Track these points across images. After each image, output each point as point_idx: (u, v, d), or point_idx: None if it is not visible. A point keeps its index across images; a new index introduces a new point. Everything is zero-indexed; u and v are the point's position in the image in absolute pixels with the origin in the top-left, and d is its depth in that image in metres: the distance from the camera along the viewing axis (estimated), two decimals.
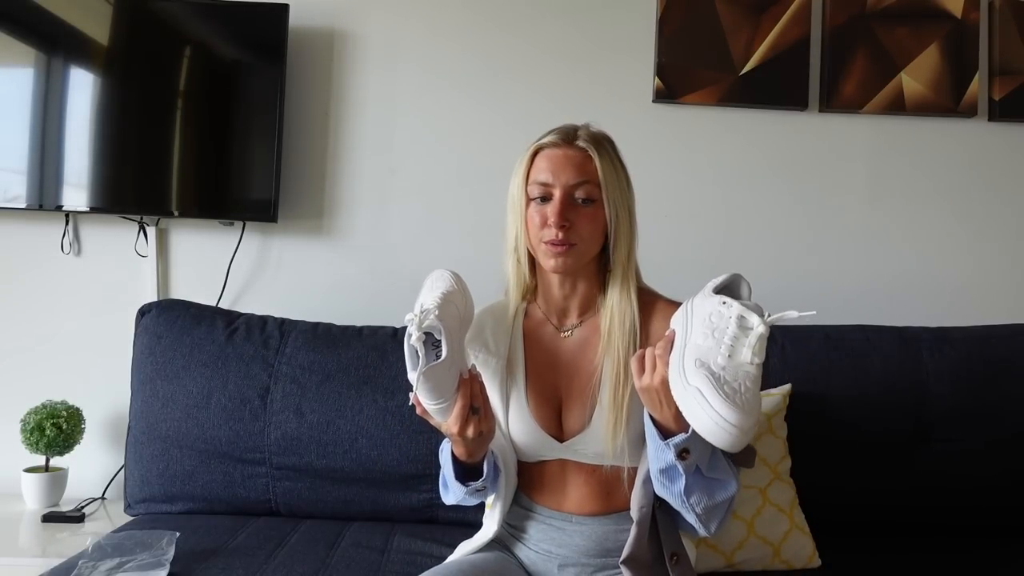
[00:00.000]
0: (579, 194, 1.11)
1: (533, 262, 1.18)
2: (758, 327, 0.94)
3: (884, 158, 1.97)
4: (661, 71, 1.91)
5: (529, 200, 1.13)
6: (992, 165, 1.97)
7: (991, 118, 1.96)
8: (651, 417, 1.00)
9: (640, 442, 1.08)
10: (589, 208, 1.11)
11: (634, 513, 1.07)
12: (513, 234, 1.16)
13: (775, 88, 1.92)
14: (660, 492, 1.03)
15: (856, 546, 1.52)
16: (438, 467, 1.54)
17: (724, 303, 0.99)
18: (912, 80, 1.92)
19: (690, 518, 1.02)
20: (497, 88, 1.94)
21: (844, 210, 1.97)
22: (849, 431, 1.59)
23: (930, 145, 1.97)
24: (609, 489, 1.13)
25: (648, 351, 1.00)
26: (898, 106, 1.93)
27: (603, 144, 1.14)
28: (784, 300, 1.91)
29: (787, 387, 1.56)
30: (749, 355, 0.93)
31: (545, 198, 1.11)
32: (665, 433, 0.98)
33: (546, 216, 1.10)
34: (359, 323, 1.73)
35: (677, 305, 1.13)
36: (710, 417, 0.88)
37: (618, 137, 1.98)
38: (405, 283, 1.93)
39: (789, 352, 1.64)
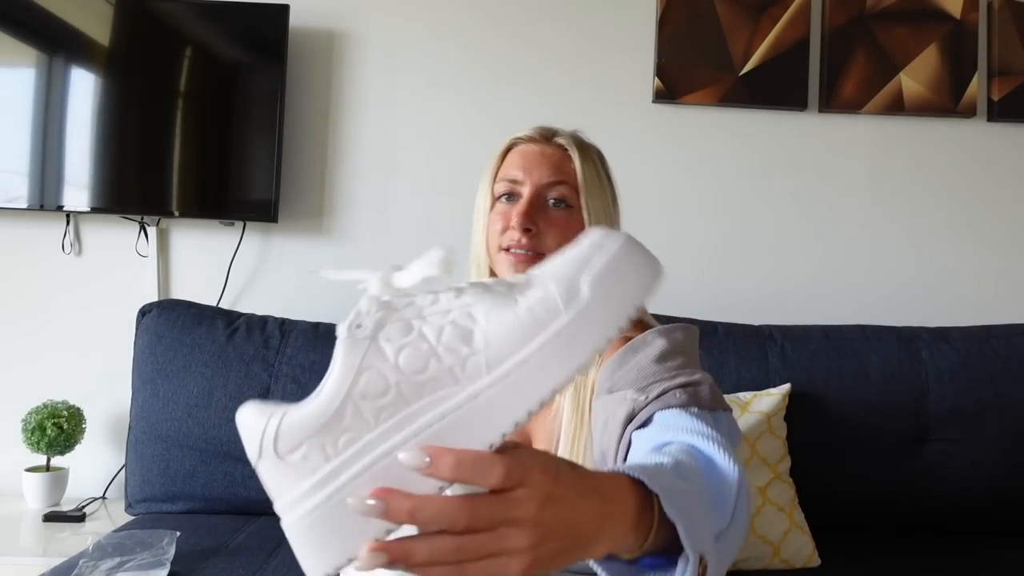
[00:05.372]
0: (552, 195, 0.95)
1: None
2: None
3: (883, 158, 1.97)
4: (661, 71, 1.91)
5: (494, 201, 0.98)
6: (991, 165, 1.98)
7: (990, 118, 1.96)
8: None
9: None
10: (562, 213, 0.95)
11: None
12: (475, 243, 1.00)
13: (775, 88, 1.92)
14: None
15: (855, 545, 1.53)
16: None
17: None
18: (911, 80, 1.92)
19: None
20: (497, 88, 1.94)
21: (843, 210, 1.97)
22: (848, 430, 1.59)
23: (929, 145, 1.97)
24: None
25: None
26: (897, 106, 1.93)
27: (587, 149, 1.00)
28: (784, 300, 1.94)
29: (787, 387, 1.57)
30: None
31: (512, 195, 0.97)
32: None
33: (510, 218, 0.94)
34: None
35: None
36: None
37: (618, 137, 1.99)
38: None
39: (789, 352, 1.64)
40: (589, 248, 0.51)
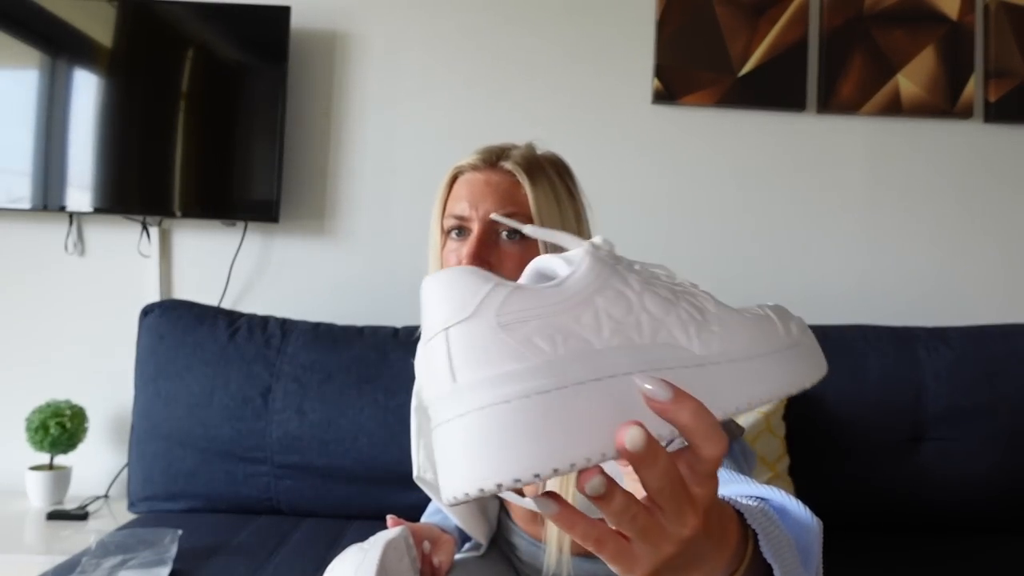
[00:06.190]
0: (504, 227, 0.89)
1: None
2: None
3: (880, 159, 1.98)
4: (660, 72, 1.92)
5: (445, 237, 0.93)
6: (987, 166, 1.99)
7: (986, 119, 1.97)
8: None
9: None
10: (516, 246, 0.88)
11: None
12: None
13: (773, 89, 1.93)
14: None
15: (853, 543, 1.53)
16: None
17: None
18: (908, 82, 1.93)
19: None
20: (497, 89, 1.96)
21: (841, 210, 1.98)
22: (847, 430, 1.60)
23: (926, 146, 1.98)
24: None
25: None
26: (895, 107, 1.94)
27: (540, 168, 0.92)
28: (782, 300, 1.94)
29: None
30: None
31: (462, 230, 0.91)
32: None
33: (460, 256, 0.89)
34: (360, 323, 1.74)
35: None
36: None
37: (617, 138, 2.00)
38: (405, 283, 1.96)
39: None
40: (776, 310, 0.50)
